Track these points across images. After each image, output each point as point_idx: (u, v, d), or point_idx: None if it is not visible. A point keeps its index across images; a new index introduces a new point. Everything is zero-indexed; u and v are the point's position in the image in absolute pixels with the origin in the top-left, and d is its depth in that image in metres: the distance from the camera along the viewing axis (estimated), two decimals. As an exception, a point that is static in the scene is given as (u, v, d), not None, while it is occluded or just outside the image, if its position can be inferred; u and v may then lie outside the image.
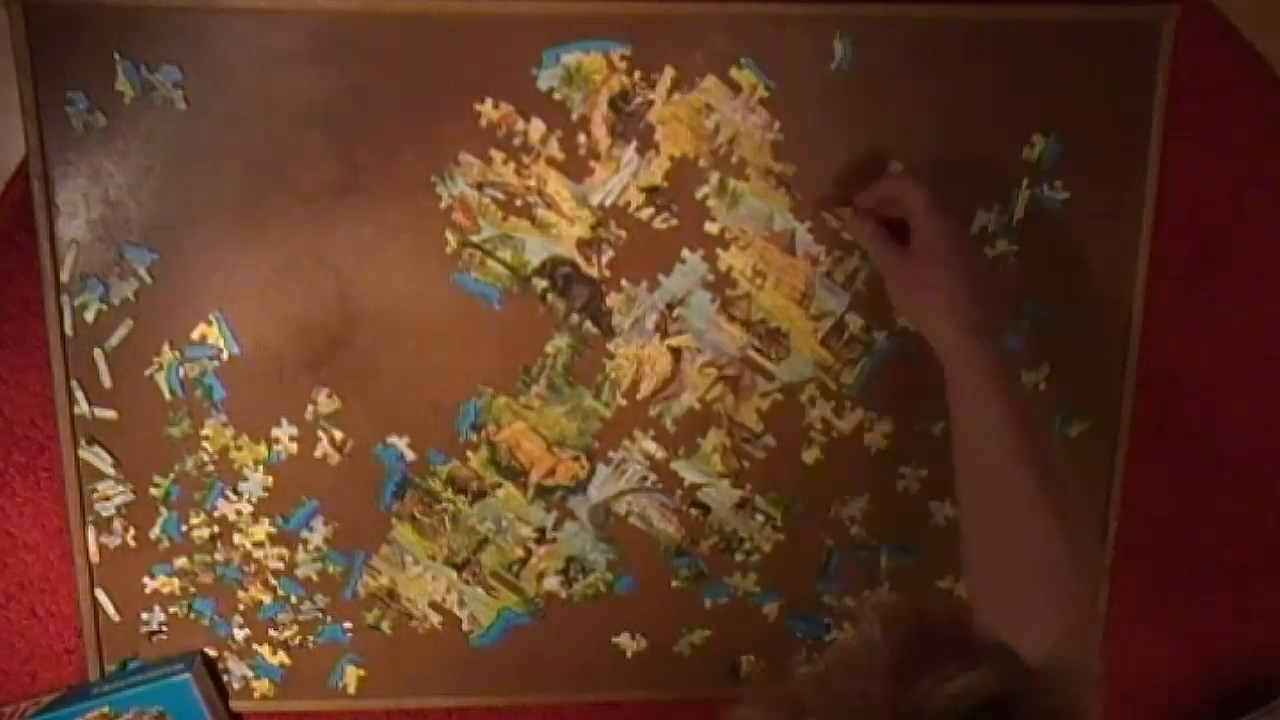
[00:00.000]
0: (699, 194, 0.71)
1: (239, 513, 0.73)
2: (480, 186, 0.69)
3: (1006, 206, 0.73)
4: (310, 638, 0.77)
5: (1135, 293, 0.76)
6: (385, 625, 0.77)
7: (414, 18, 0.66)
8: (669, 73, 0.68)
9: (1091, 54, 0.71)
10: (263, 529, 0.74)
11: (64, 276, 0.68)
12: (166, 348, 0.70)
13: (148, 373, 0.71)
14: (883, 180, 0.68)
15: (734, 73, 0.69)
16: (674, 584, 0.78)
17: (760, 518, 0.78)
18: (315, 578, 0.76)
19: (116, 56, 0.65)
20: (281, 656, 0.77)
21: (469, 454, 0.74)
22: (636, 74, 0.68)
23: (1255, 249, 0.79)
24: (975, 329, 0.62)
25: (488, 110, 0.68)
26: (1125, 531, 0.82)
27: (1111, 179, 0.74)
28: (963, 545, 0.63)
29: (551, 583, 0.78)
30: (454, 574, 0.77)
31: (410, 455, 0.73)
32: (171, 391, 0.71)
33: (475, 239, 0.70)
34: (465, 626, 0.78)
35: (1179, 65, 0.72)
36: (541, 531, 0.76)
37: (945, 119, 0.71)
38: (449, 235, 0.70)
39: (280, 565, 0.75)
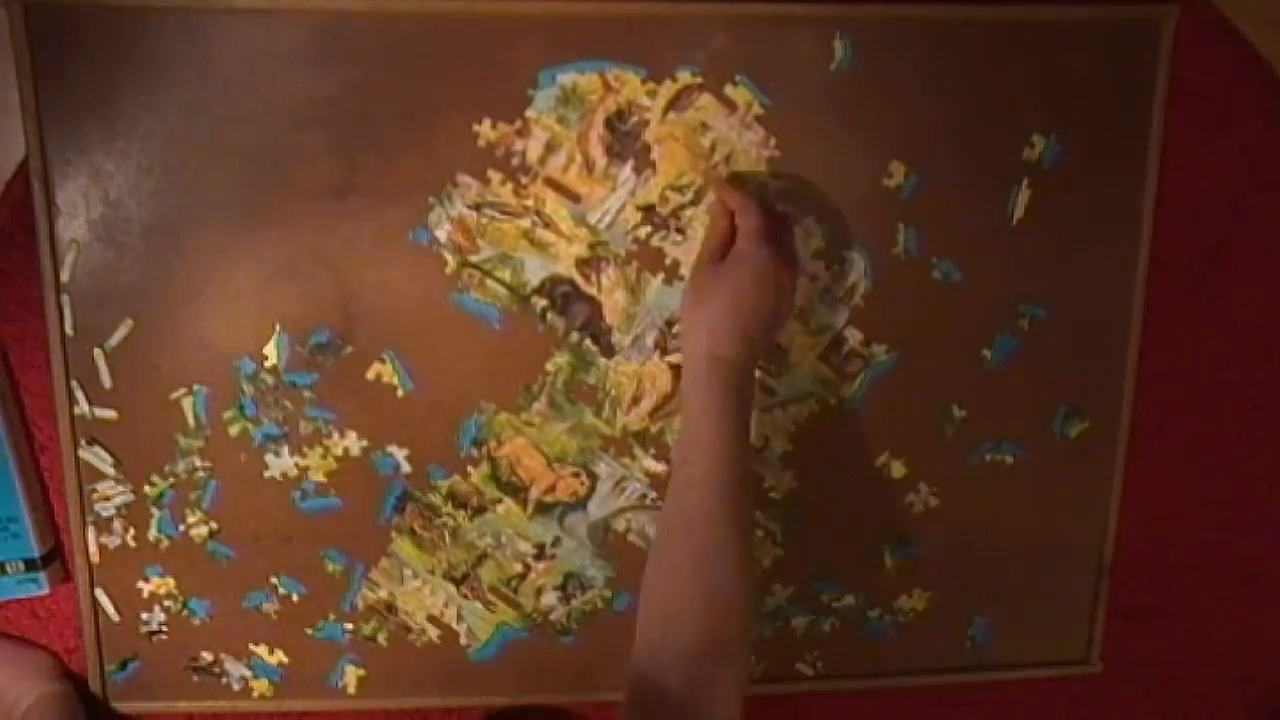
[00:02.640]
0: (696, 211, 0.71)
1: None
2: (478, 207, 0.69)
3: (1006, 206, 0.73)
4: (310, 633, 0.77)
5: (1135, 293, 0.76)
6: (382, 637, 0.77)
7: (414, 17, 0.66)
8: (665, 91, 0.68)
9: (1091, 54, 0.71)
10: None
11: (64, 276, 0.68)
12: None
13: (173, 397, 0.71)
14: (740, 192, 0.68)
15: (729, 90, 0.69)
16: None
17: (760, 533, 0.78)
18: (316, 576, 0.76)
19: (116, 56, 0.65)
20: (280, 656, 0.77)
21: (470, 469, 0.74)
22: (633, 92, 0.68)
23: (1255, 249, 0.79)
24: (721, 361, 0.63)
25: (485, 130, 0.68)
26: (1125, 531, 0.82)
27: (1111, 179, 0.74)
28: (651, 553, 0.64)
29: (549, 598, 0.78)
30: (453, 588, 0.77)
31: (407, 467, 0.73)
32: (195, 417, 0.71)
33: (474, 259, 0.70)
34: (463, 640, 0.78)
35: (1179, 65, 0.72)
36: (541, 547, 0.76)
37: (945, 119, 0.71)
38: (448, 256, 0.70)
39: (279, 563, 0.75)
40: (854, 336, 0.74)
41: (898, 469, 0.77)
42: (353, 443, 0.73)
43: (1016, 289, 0.75)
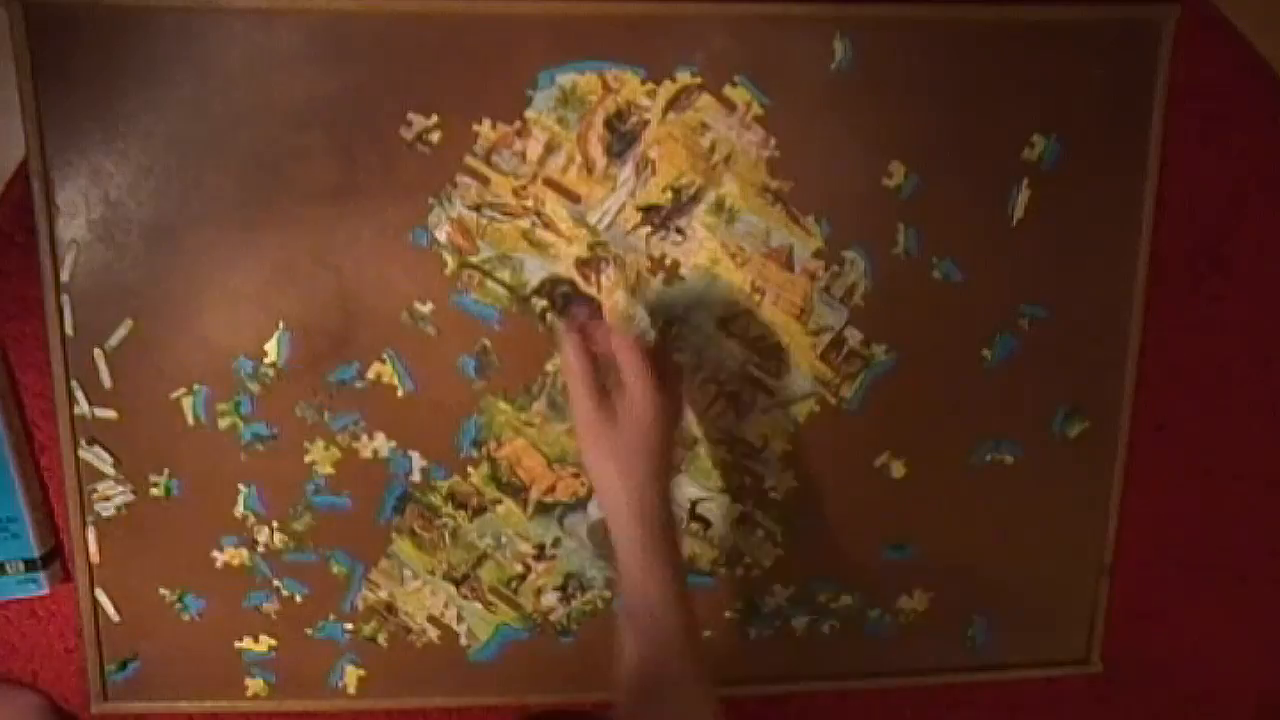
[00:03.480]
0: (695, 211, 0.71)
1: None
2: (478, 208, 0.69)
3: (1006, 206, 0.73)
4: (310, 634, 0.77)
5: (1135, 293, 0.76)
6: (382, 638, 0.77)
7: (414, 17, 0.66)
8: (664, 91, 0.68)
9: (1091, 54, 0.71)
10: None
11: (64, 276, 0.68)
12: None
13: (173, 396, 0.71)
14: (618, 333, 0.65)
15: (729, 90, 0.69)
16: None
17: (760, 533, 0.78)
18: (319, 576, 0.76)
19: (116, 57, 0.65)
20: (279, 655, 0.77)
21: (470, 469, 0.74)
22: (633, 93, 0.68)
23: (1255, 249, 0.79)
24: (649, 507, 0.61)
25: (485, 130, 0.68)
26: (1125, 531, 0.82)
27: (1111, 179, 0.74)
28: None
29: (549, 599, 0.78)
30: (453, 589, 0.77)
31: (418, 463, 0.73)
32: (195, 417, 0.71)
33: (474, 260, 0.70)
34: (463, 641, 0.78)
35: (1179, 65, 0.72)
36: (540, 548, 0.76)
37: (945, 119, 0.71)
38: (447, 257, 0.70)
39: (283, 563, 0.75)
40: (854, 336, 0.74)
41: (898, 469, 0.77)
42: (353, 442, 0.73)
43: (1016, 289, 0.75)
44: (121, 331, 0.70)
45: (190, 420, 0.71)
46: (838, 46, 0.69)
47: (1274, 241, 0.79)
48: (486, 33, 0.66)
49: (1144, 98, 0.73)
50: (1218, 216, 0.78)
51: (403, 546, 0.75)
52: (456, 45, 0.66)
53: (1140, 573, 0.84)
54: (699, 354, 0.73)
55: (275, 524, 0.74)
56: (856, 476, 0.77)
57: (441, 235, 0.69)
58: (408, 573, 0.76)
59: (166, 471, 0.72)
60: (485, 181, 0.69)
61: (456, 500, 0.75)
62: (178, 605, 0.75)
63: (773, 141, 0.70)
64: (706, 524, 0.77)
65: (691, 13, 0.67)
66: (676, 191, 0.70)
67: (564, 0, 0.67)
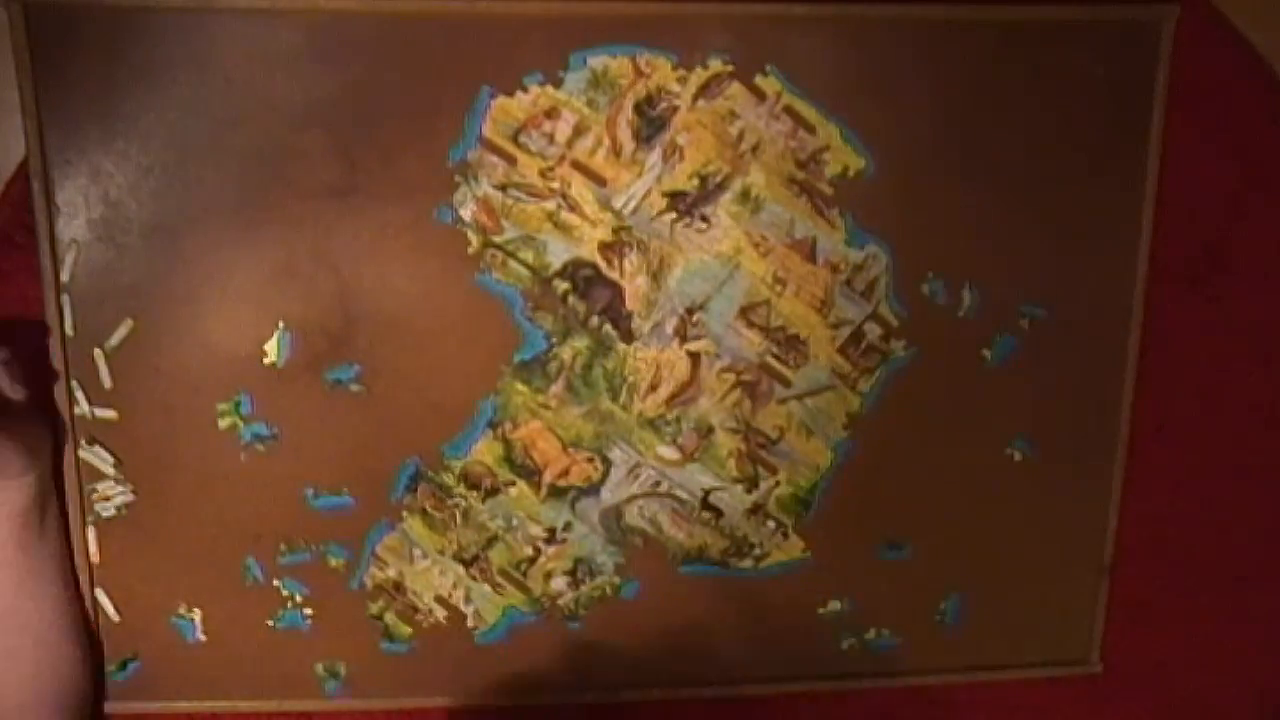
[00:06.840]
0: (721, 200, 0.71)
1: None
2: (504, 188, 0.69)
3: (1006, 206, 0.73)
4: (308, 634, 0.77)
5: (1135, 293, 0.76)
6: (389, 618, 0.77)
7: (417, 17, 0.66)
8: (695, 78, 0.68)
9: (1091, 54, 0.71)
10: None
11: (64, 276, 0.68)
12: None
13: (174, 397, 0.70)
14: None
15: (760, 80, 0.69)
16: (680, 590, 0.79)
17: (771, 524, 0.78)
18: (316, 573, 0.76)
19: (116, 56, 0.65)
20: (278, 654, 0.77)
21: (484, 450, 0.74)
22: (664, 78, 0.68)
23: (1255, 249, 0.79)
24: None
25: (514, 110, 0.68)
26: (1125, 531, 0.82)
27: (1111, 179, 0.74)
28: None
29: (558, 583, 0.78)
30: (461, 569, 0.77)
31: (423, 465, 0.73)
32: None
33: (498, 239, 0.70)
34: (470, 623, 0.78)
35: (1179, 65, 0.72)
36: (551, 531, 0.76)
37: (945, 119, 0.71)
38: (471, 235, 0.70)
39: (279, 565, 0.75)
40: (873, 331, 0.74)
41: (900, 467, 0.77)
42: (362, 428, 0.72)
43: (1016, 289, 0.75)
44: (121, 331, 0.70)
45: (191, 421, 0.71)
46: (837, 46, 0.69)
47: (1274, 241, 0.79)
48: (512, 32, 0.66)
49: (1144, 98, 0.73)
50: (1218, 216, 0.78)
51: (414, 525, 0.75)
52: (462, 41, 0.66)
53: (1140, 573, 0.84)
54: (718, 343, 0.73)
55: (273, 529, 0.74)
56: (858, 475, 0.77)
57: (467, 214, 0.69)
58: (417, 552, 0.76)
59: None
60: (512, 161, 0.69)
61: (469, 480, 0.75)
62: (179, 612, 0.75)
63: (800, 132, 0.70)
64: (719, 514, 0.77)
65: (689, 13, 0.67)
66: (703, 179, 0.70)
67: (563, 1, 0.67)
